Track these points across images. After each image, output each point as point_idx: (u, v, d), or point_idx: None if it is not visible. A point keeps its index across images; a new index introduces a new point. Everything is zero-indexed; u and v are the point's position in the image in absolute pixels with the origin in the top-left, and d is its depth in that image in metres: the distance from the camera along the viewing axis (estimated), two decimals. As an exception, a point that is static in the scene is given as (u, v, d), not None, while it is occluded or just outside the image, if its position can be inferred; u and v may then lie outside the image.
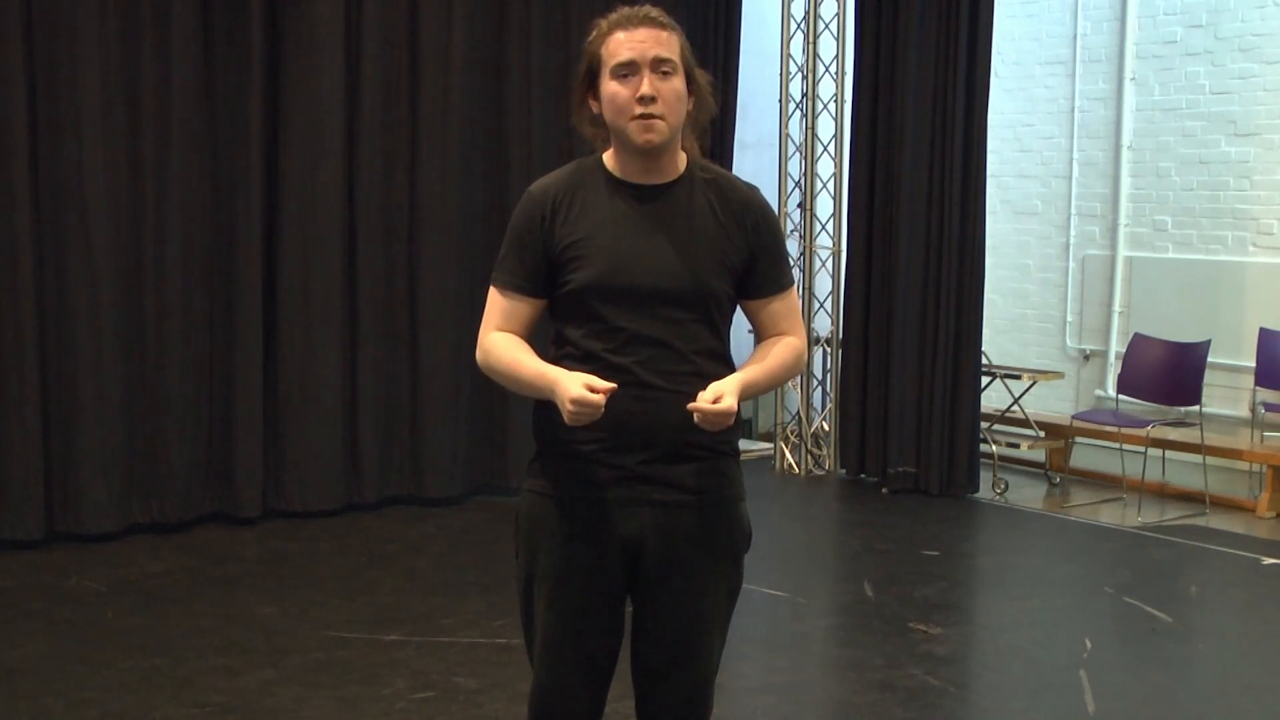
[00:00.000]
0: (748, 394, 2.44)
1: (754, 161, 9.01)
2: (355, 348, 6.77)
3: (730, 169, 8.16)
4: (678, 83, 2.42)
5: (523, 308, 2.51)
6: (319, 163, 6.56)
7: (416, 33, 6.84)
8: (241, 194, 6.41)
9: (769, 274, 2.55)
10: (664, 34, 2.42)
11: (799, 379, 8.37)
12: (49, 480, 5.98)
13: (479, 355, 2.52)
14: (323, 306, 6.62)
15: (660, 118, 2.39)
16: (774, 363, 2.53)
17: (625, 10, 2.46)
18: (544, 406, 2.50)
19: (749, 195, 2.54)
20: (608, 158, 2.51)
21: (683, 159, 2.53)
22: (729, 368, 2.56)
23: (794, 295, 2.60)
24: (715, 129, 8.10)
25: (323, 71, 6.53)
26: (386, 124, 6.80)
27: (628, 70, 2.40)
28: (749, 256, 2.52)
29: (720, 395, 2.34)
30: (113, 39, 6.03)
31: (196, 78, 6.26)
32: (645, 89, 2.38)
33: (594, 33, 2.46)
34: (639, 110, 2.38)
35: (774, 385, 2.54)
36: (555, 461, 2.51)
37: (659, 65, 2.40)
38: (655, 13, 2.46)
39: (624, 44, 2.40)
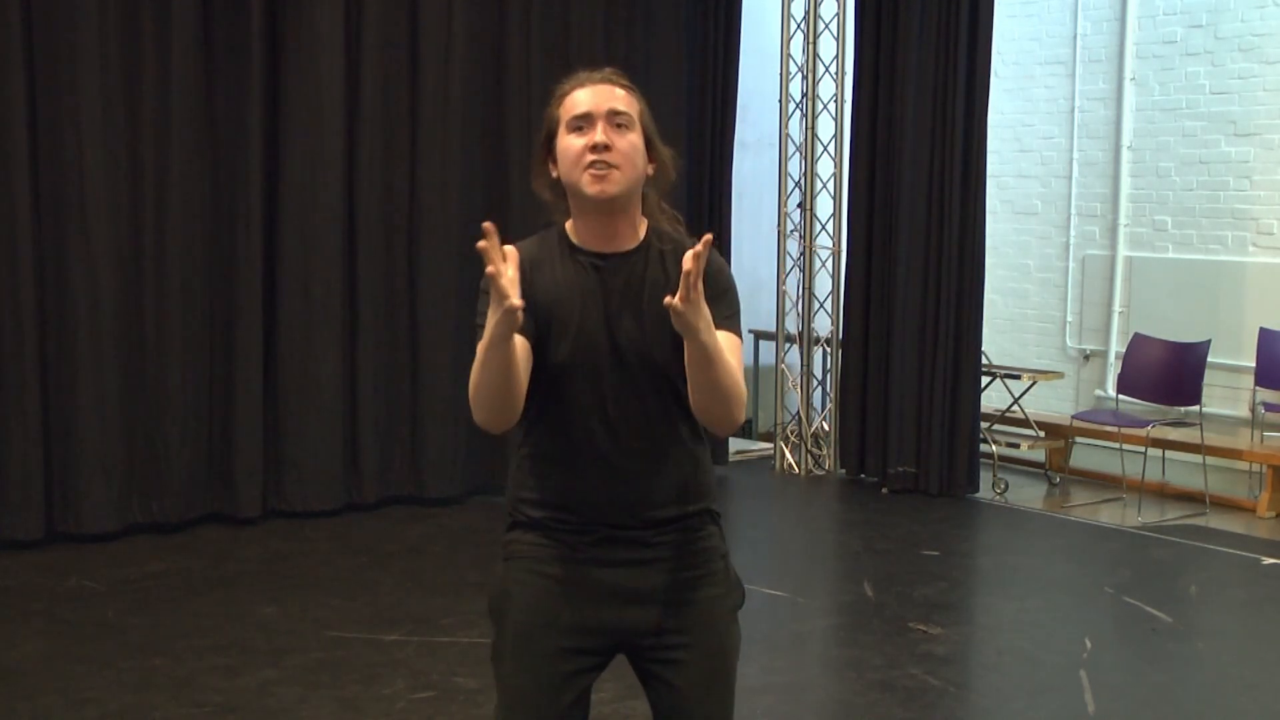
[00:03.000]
0: (710, 340, 2.21)
1: (754, 161, 9.02)
2: (355, 348, 6.77)
3: (730, 169, 8.18)
4: (634, 138, 2.36)
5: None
6: (319, 163, 6.56)
7: (416, 33, 6.84)
8: (241, 194, 6.41)
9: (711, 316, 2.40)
10: (622, 91, 2.39)
11: (799, 379, 8.37)
12: (49, 480, 5.98)
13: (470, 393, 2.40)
14: (323, 306, 6.62)
15: (615, 167, 2.33)
16: (731, 360, 2.32)
17: (583, 73, 2.44)
18: (514, 484, 2.49)
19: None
20: (569, 226, 2.45)
21: (643, 227, 2.45)
22: (697, 441, 2.49)
23: (735, 342, 2.39)
24: (715, 129, 8.12)
25: (323, 71, 6.53)
26: (386, 124, 6.80)
27: (583, 122, 2.35)
28: None
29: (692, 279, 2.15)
30: (113, 39, 6.03)
31: (196, 78, 6.27)
32: (599, 137, 2.33)
33: (554, 98, 2.43)
34: (590, 158, 2.32)
35: (719, 371, 2.25)
36: (528, 533, 2.47)
37: (614, 117, 2.35)
38: (615, 75, 2.43)
39: (580, 100, 2.37)
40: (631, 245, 2.43)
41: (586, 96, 2.38)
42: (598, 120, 2.35)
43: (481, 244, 2.14)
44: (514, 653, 2.46)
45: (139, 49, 6.12)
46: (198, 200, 6.33)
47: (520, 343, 2.32)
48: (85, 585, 5.46)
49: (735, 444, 8.63)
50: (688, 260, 2.11)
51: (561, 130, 2.39)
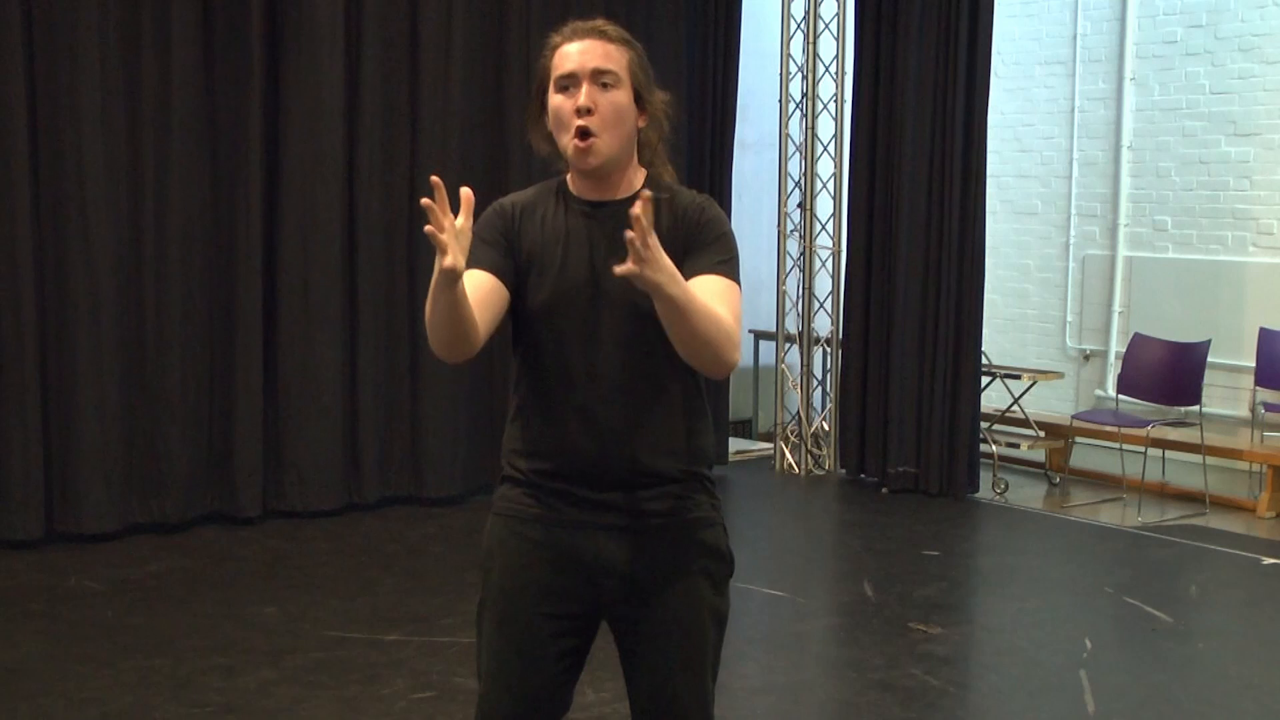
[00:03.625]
0: (677, 291, 2.13)
1: (754, 161, 9.02)
2: (355, 348, 6.77)
3: (730, 169, 8.18)
4: (619, 95, 2.36)
5: (479, 277, 2.37)
6: (319, 162, 6.56)
7: (416, 33, 6.84)
8: (241, 194, 6.41)
9: (697, 259, 2.37)
10: (609, 47, 2.37)
11: (799, 379, 8.38)
12: (49, 480, 5.98)
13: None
14: (323, 306, 6.62)
15: (596, 135, 2.34)
16: (707, 304, 2.23)
17: (575, 23, 2.43)
18: (505, 436, 2.49)
19: (693, 205, 2.43)
20: (569, 175, 2.45)
21: (639, 176, 2.45)
22: (689, 404, 2.45)
23: (727, 284, 2.34)
24: (715, 129, 8.12)
25: (323, 71, 6.53)
26: (386, 123, 6.80)
27: (569, 82, 2.36)
28: (685, 257, 2.38)
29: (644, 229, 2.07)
30: (113, 39, 6.03)
31: (196, 77, 6.26)
32: (582, 100, 2.33)
33: (545, 48, 2.43)
34: (576, 122, 2.33)
35: (695, 319, 2.17)
36: (514, 488, 2.48)
37: (599, 76, 2.35)
38: (606, 26, 2.42)
39: (568, 56, 2.37)
40: (626, 194, 2.42)
41: (573, 54, 2.37)
42: (583, 80, 2.35)
43: (425, 200, 2.13)
44: (493, 614, 2.46)
45: (139, 48, 6.12)
46: (198, 200, 6.33)
47: (486, 281, 2.35)
48: (85, 585, 5.46)
49: (735, 444, 8.64)
50: (635, 217, 2.04)
51: (551, 88, 2.39)
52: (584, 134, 2.34)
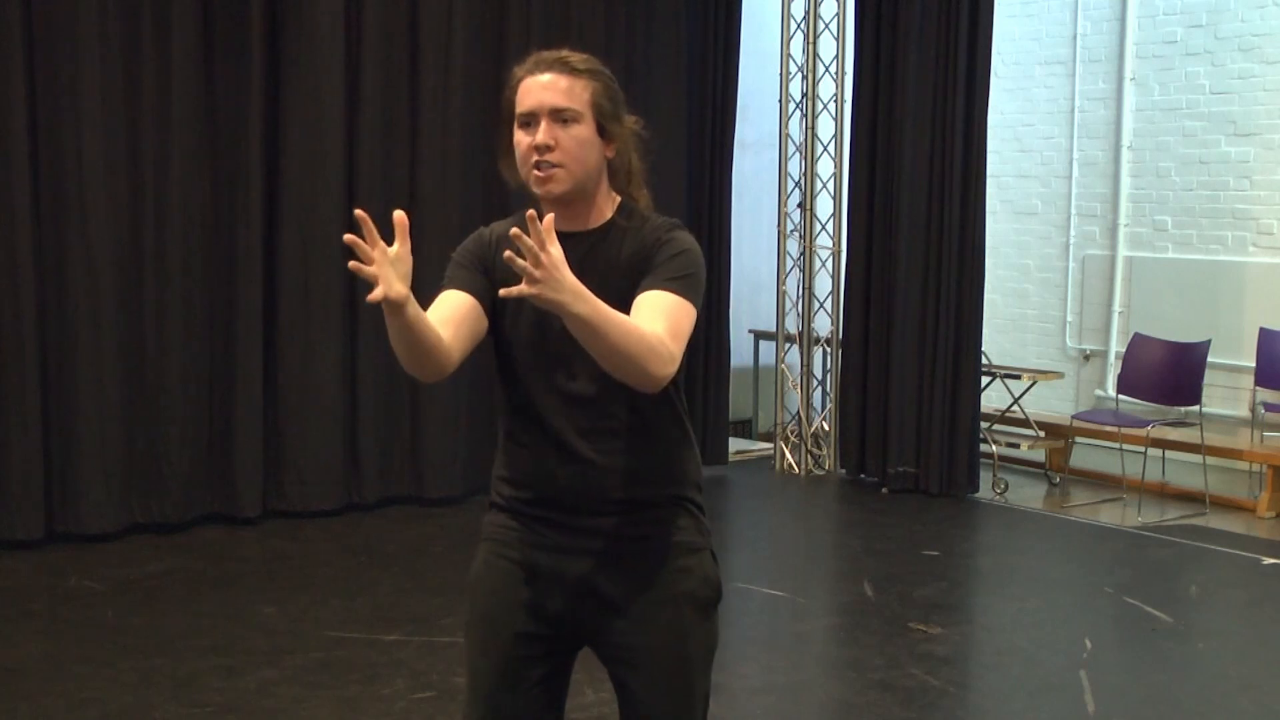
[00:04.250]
0: (584, 309, 2.08)
1: (754, 161, 9.02)
2: (355, 348, 6.77)
3: (730, 169, 8.18)
4: (580, 131, 2.33)
5: (454, 297, 2.38)
6: (319, 163, 6.56)
7: (416, 33, 6.84)
8: (241, 194, 6.41)
9: (649, 277, 2.31)
10: (570, 81, 2.34)
11: (799, 379, 8.37)
12: (49, 480, 5.98)
13: None
14: (323, 306, 6.62)
15: (558, 166, 2.32)
16: (623, 319, 2.18)
17: (540, 55, 2.39)
18: (495, 463, 2.50)
19: (657, 229, 2.40)
20: (543, 207, 2.46)
21: (611, 204, 2.43)
22: (668, 429, 2.43)
23: (672, 300, 2.28)
24: (715, 129, 8.13)
25: (323, 71, 6.53)
26: (386, 123, 6.80)
27: (528, 120, 2.35)
28: (640, 279, 2.35)
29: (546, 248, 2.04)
30: (113, 39, 6.03)
31: (196, 78, 6.27)
32: (540, 138, 2.32)
33: (510, 80, 2.41)
34: (534, 159, 2.33)
35: (608, 336, 2.12)
36: (498, 514, 2.48)
37: (558, 114, 2.32)
38: (570, 56, 2.38)
39: (528, 92, 2.35)
40: (597, 223, 2.41)
41: (533, 90, 2.35)
42: (541, 118, 2.33)
43: (348, 237, 2.12)
44: (476, 635, 2.47)
45: (139, 48, 6.12)
46: (198, 200, 6.33)
47: (463, 302, 2.37)
48: (85, 585, 5.46)
49: (735, 444, 8.64)
50: (515, 235, 2.02)
51: (515, 123, 2.38)
52: (542, 167, 2.33)
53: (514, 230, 2.04)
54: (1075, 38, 9.04)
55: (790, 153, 8.36)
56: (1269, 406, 7.64)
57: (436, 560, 6.02)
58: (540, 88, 2.34)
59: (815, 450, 8.21)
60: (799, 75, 8.26)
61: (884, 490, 7.56)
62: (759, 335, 8.99)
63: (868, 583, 5.74)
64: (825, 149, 8.24)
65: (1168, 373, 7.52)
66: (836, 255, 8.15)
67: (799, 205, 8.30)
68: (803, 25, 8.22)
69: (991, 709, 4.50)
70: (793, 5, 8.26)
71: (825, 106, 8.24)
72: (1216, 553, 6.42)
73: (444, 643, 4.79)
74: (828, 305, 8.27)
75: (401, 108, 6.84)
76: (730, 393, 8.36)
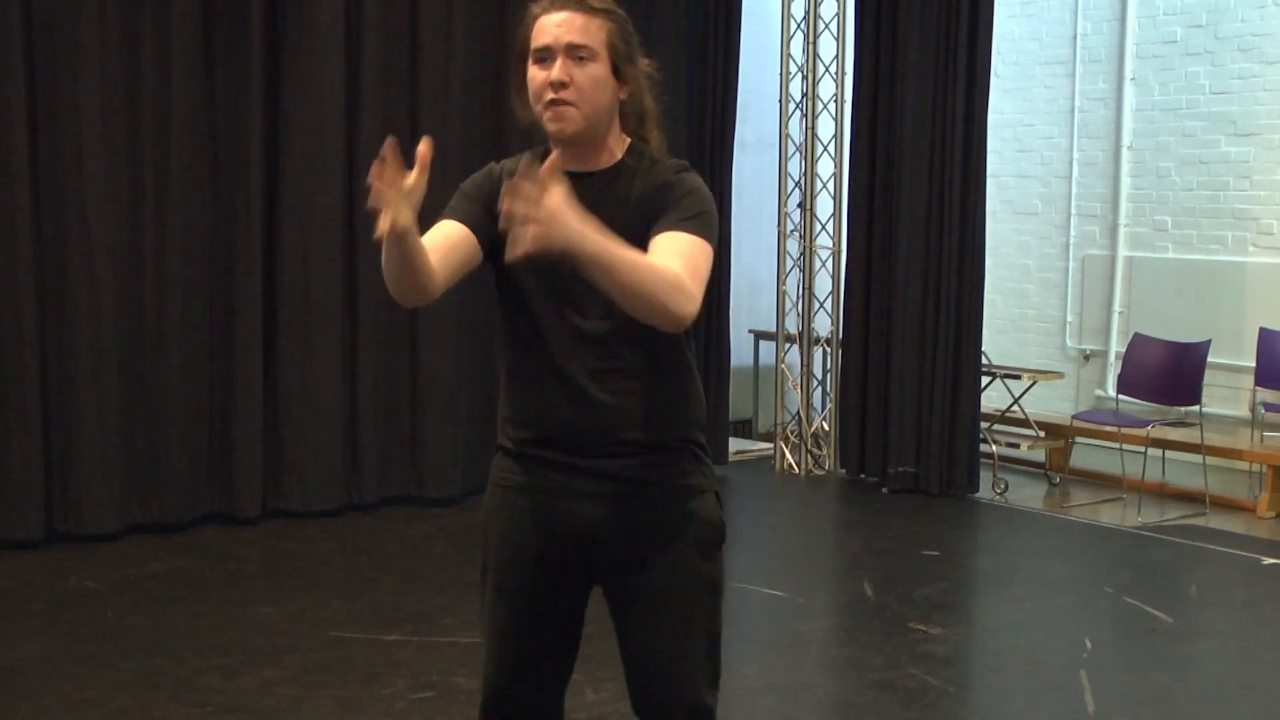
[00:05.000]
0: (593, 247, 2.07)
1: (754, 161, 9.01)
2: (355, 348, 6.77)
3: (730, 169, 8.18)
4: (595, 69, 2.34)
5: (450, 227, 2.38)
6: (319, 163, 6.56)
7: (416, 32, 6.84)
8: (241, 194, 6.41)
9: (661, 219, 2.32)
10: (586, 19, 2.35)
11: (799, 379, 8.37)
12: (49, 480, 5.98)
13: None
14: (323, 306, 6.62)
15: (571, 104, 2.33)
16: (638, 256, 2.16)
17: None
18: (499, 406, 2.50)
19: (669, 175, 2.41)
20: (552, 145, 2.45)
21: (622, 146, 2.44)
22: (674, 369, 2.43)
23: (688, 239, 2.27)
24: (715, 129, 8.12)
25: (323, 71, 6.53)
26: (386, 123, 6.78)
27: (544, 55, 2.36)
28: (652, 222, 2.35)
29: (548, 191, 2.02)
30: (113, 39, 6.03)
31: (196, 78, 6.26)
32: (555, 74, 2.33)
33: (525, 16, 2.42)
34: (549, 96, 2.34)
35: (623, 273, 2.11)
36: (505, 458, 2.50)
37: (574, 51, 2.33)
38: None
39: (544, 29, 2.36)
40: (608, 164, 2.42)
41: (549, 27, 2.36)
42: (557, 54, 2.34)
43: (374, 169, 2.11)
44: (492, 584, 2.49)
45: (139, 48, 6.12)
46: (198, 200, 6.33)
47: (456, 231, 2.36)
48: (85, 585, 5.46)
49: (735, 444, 8.64)
50: (507, 187, 2.01)
51: (529, 59, 2.39)
52: (555, 104, 2.34)
53: (506, 185, 2.01)
54: (1075, 38, 9.04)
55: (790, 153, 8.36)
56: (1269, 406, 7.64)
57: (436, 560, 6.02)
58: (556, 24, 2.35)
59: (815, 450, 8.21)
60: (799, 75, 8.26)
61: (884, 490, 7.56)
62: (759, 335, 8.99)
63: (868, 583, 5.74)
64: (825, 149, 8.23)
65: (1168, 373, 7.52)
66: (836, 255, 8.15)
67: (799, 205, 8.30)
68: (803, 25, 8.22)
69: (991, 709, 4.50)
70: (793, 5, 8.26)
71: (825, 106, 8.24)
72: (1216, 553, 6.42)
73: (444, 643, 4.79)
74: (828, 305, 8.27)
75: (402, 108, 6.84)
76: (730, 393, 8.36)
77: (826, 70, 8.21)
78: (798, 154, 8.32)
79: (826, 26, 8.16)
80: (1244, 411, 8.05)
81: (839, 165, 8.15)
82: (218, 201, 6.41)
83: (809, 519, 7.46)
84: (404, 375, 6.94)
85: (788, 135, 8.36)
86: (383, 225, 2.10)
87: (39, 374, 5.90)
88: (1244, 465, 7.64)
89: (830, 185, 8.22)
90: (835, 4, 8.05)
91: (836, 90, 8.12)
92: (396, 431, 6.94)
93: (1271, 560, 6.22)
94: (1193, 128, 8.39)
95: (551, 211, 2.01)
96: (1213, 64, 8.29)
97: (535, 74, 2.37)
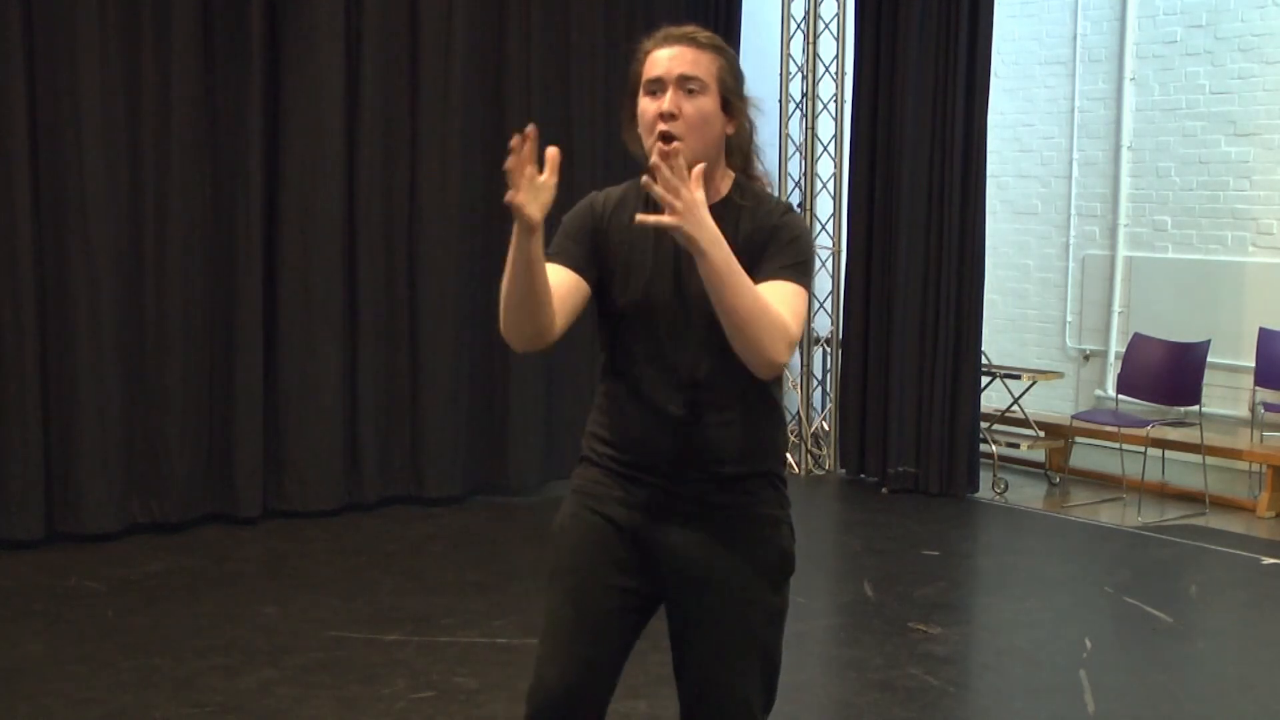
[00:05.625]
0: (718, 253, 2.17)
1: (754, 161, 9.01)
2: (355, 348, 6.77)
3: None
4: (704, 102, 2.39)
5: (560, 272, 2.41)
6: (319, 163, 6.56)
7: (416, 32, 6.84)
8: (241, 194, 6.41)
9: (765, 263, 2.39)
10: (697, 53, 2.40)
11: (799, 379, 8.38)
12: (49, 480, 5.98)
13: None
14: (323, 306, 6.62)
15: (680, 139, 2.35)
16: (755, 286, 2.26)
17: (668, 30, 2.46)
18: (590, 420, 2.55)
19: (772, 212, 2.46)
20: None
21: (727, 181, 2.48)
22: (764, 405, 2.49)
23: (791, 288, 2.36)
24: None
25: (323, 71, 6.53)
26: (386, 123, 6.80)
27: (656, 87, 2.40)
28: (756, 264, 2.41)
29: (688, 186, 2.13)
30: (113, 39, 6.03)
31: (196, 78, 6.26)
32: (666, 105, 2.37)
33: (637, 53, 2.47)
34: (660, 127, 2.37)
35: (738, 294, 2.20)
36: (592, 469, 2.54)
37: (685, 83, 2.38)
38: (697, 32, 2.44)
39: (656, 62, 2.41)
40: (714, 200, 2.44)
41: (661, 60, 2.41)
42: (668, 86, 2.38)
43: (515, 142, 2.14)
44: (562, 584, 2.51)
45: (139, 49, 6.12)
46: (198, 200, 6.33)
47: (567, 277, 2.39)
48: (85, 585, 5.46)
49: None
50: (654, 166, 2.10)
51: (640, 91, 2.43)
52: (667, 138, 2.36)
53: (644, 179, 2.10)
54: (1075, 38, 9.04)
55: (790, 153, 8.36)
56: (1269, 406, 7.65)
57: (436, 560, 6.02)
58: (669, 58, 2.40)
59: (815, 450, 8.21)
60: (799, 75, 8.26)
61: (884, 490, 7.57)
62: (759, 335, 8.98)
63: (868, 583, 5.74)
64: (825, 149, 8.24)
65: (1167, 373, 7.52)
66: (836, 255, 8.15)
67: (799, 205, 8.31)
68: (803, 25, 8.22)
69: (991, 709, 4.50)
70: (793, 5, 8.26)
71: (825, 106, 8.24)
72: (1216, 553, 6.42)
73: (444, 643, 4.79)
74: (828, 305, 8.27)
75: (401, 108, 6.84)
76: (730, 393, 8.35)
77: (826, 70, 8.21)
78: (798, 154, 8.32)
79: (826, 26, 8.17)
80: (1244, 411, 8.05)
81: (839, 165, 8.15)
82: (218, 201, 6.40)
83: (809, 519, 7.46)
84: (404, 375, 6.94)
85: (788, 135, 8.36)
86: (514, 198, 2.13)
87: (39, 374, 5.90)
88: (1244, 465, 7.64)
89: (830, 185, 8.23)
90: (835, 4, 8.05)
91: (836, 90, 8.12)
92: (396, 431, 6.94)
93: (1271, 560, 6.23)
94: (1193, 128, 8.40)
95: (691, 200, 2.11)
96: (1213, 64, 8.29)
97: (646, 106, 2.41)
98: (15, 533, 5.86)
